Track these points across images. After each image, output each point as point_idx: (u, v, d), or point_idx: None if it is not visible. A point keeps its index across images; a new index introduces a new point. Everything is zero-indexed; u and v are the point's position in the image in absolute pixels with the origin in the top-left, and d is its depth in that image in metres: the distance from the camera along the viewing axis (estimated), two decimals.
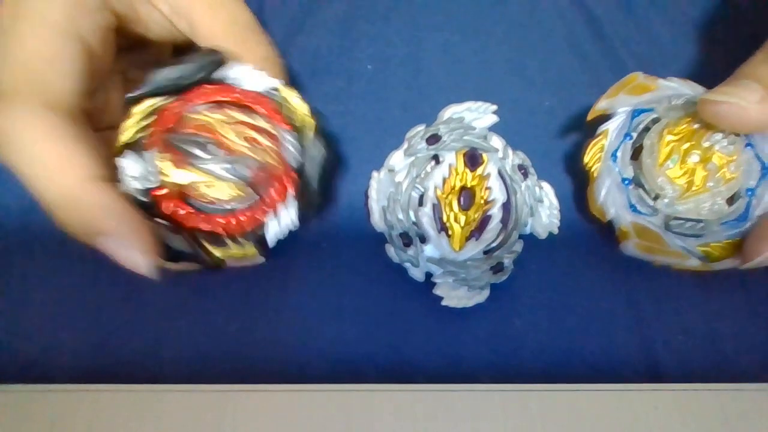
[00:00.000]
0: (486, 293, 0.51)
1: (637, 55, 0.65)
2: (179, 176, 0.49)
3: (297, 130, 0.52)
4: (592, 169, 0.54)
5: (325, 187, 0.53)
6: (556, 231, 0.52)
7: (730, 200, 0.51)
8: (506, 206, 0.50)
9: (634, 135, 0.53)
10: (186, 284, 0.54)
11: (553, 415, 0.46)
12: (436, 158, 0.51)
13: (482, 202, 0.50)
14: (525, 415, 0.46)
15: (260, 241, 0.51)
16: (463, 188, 0.50)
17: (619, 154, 0.53)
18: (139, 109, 0.49)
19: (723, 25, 0.67)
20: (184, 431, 0.45)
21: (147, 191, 0.48)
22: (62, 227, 0.46)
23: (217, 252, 0.49)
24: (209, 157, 0.49)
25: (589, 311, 0.54)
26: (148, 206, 0.48)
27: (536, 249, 0.53)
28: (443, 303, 0.51)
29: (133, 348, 0.52)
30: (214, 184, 0.49)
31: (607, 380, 0.49)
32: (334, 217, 0.58)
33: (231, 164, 0.49)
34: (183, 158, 0.49)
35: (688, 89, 0.54)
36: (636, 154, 0.53)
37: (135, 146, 0.49)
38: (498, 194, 0.50)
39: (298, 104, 0.52)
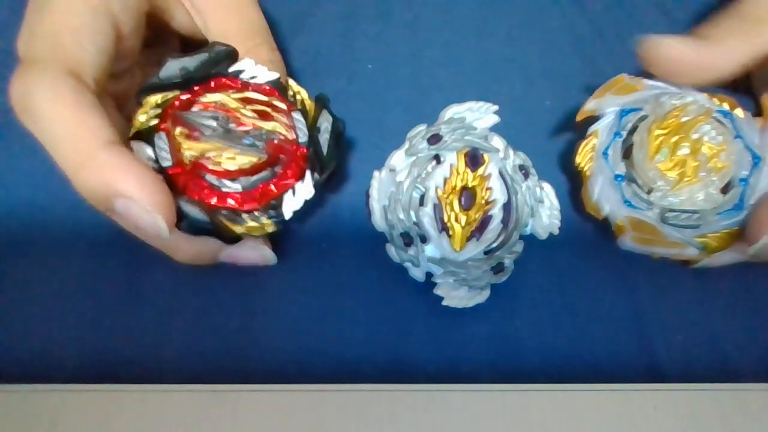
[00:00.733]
0: (486, 293, 0.52)
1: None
2: (193, 148, 0.49)
3: (303, 112, 0.53)
4: (585, 169, 0.54)
5: (337, 156, 0.53)
6: (556, 232, 0.52)
7: (725, 190, 0.52)
8: (507, 207, 0.50)
9: (624, 134, 0.54)
10: (186, 284, 0.54)
11: (553, 415, 0.46)
12: (437, 158, 0.51)
13: (483, 202, 0.50)
14: (525, 415, 0.46)
15: (277, 216, 0.50)
16: (464, 188, 0.50)
17: (610, 152, 0.53)
18: (152, 100, 0.50)
19: None
20: (184, 431, 0.45)
21: (162, 170, 0.48)
22: (81, 192, 0.46)
23: (235, 228, 0.49)
24: (222, 128, 0.49)
25: (589, 312, 0.54)
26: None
27: (537, 249, 0.53)
28: (444, 303, 0.51)
29: (133, 348, 0.52)
30: (230, 155, 0.49)
31: (607, 380, 0.49)
32: (334, 217, 0.58)
33: (244, 136, 0.49)
34: (196, 131, 0.49)
35: (674, 87, 0.54)
36: (627, 152, 0.53)
37: (147, 134, 0.49)
38: (499, 194, 0.50)
39: (299, 89, 0.54)
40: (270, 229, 0.50)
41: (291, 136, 0.52)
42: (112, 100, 0.51)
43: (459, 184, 0.50)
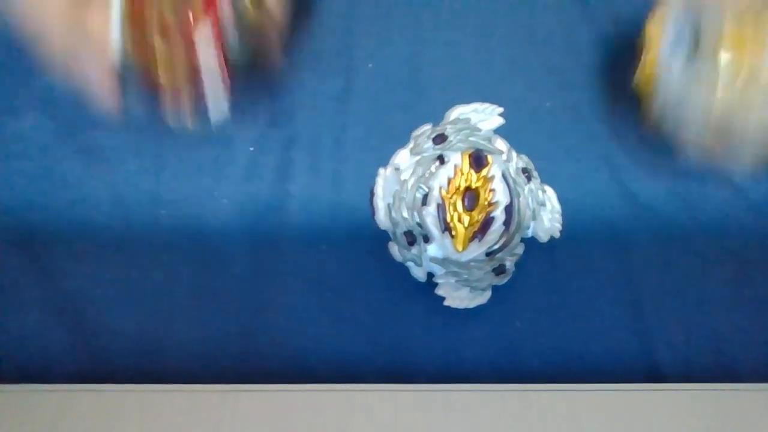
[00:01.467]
0: (488, 295, 0.52)
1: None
2: None
3: None
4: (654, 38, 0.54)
5: None
6: (557, 235, 0.53)
7: None
8: (509, 209, 0.50)
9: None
10: (186, 284, 0.54)
11: (553, 415, 0.46)
12: (440, 158, 0.51)
13: (486, 203, 0.50)
14: (525, 415, 0.46)
15: None
16: (467, 189, 0.50)
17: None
18: None
19: None
20: (184, 431, 0.45)
21: None
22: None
23: None
24: None
25: (589, 313, 0.54)
26: None
27: (538, 252, 0.53)
28: (445, 303, 0.51)
29: (133, 348, 0.52)
30: None
31: (607, 380, 0.49)
32: (334, 217, 0.58)
33: None
34: None
35: None
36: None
37: None
38: (502, 196, 0.50)
39: None
40: None
41: None
42: None
43: (463, 185, 0.50)
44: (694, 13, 0.52)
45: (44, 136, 0.60)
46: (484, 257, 0.51)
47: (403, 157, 0.52)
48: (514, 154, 0.52)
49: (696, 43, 0.52)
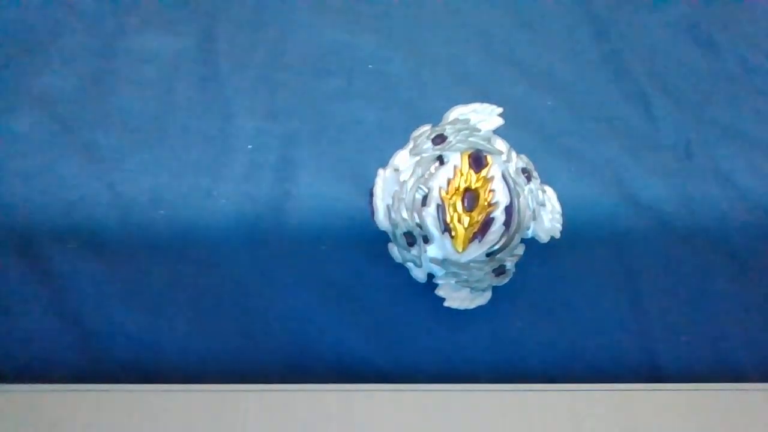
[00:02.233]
0: (488, 295, 0.52)
1: (640, 56, 0.66)
2: None
3: None
4: None
5: None
6: (558, 235, 0.53)
7: None
8: (509, 209, 0.50)
9: None
10: (186, 284, 0.54)
11: (553, 415, 0.46)
12: (440, 159, 0.51)
13: (486, 204, 0.50)
14: (525, 415, 0.46)
15: None
16: (467, 190, 0.50)
17: None
18: None
19: (725, 22, 0.68)
20: (185, 431, 0.45)
21: None
22: None
23: None
24: None
25: (590, 313, 0.54)
26: None
27: (538, 252, 0.53)
28: (445, 304, 0.51)
29: (133, 348, 0.52)
30: None
31: (607, 380, 0.49)
32: (334, 217, 0.58)
33: None
34: None
35: None
36: None
37: None
38: (502, 197, 0.50)
39: None
40: None
41: None
42: None
43: (462, 186, 0.50)
44: None
45: (43, 135, 0.60)
46: (484, 258, 0.51)
47: (402, 158, 0.51)
48: (513, 154, 0.52)
49: None
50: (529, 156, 0.54)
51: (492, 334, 0.53)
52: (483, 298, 0.51)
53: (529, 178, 0.52)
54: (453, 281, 0.51)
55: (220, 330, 0.53)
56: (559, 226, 0.53)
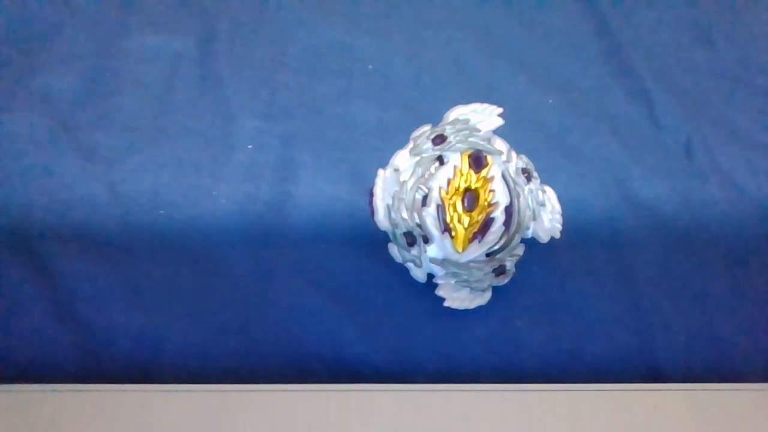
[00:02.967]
0: (488, 295, 0.52)
1: (641, 52, 0.65)
2: None
3: None
4: None
5: None
6: (558, 235, 0.53)
7: None
8: (509, 209, 0.50)
9: None
10: (186, 284, 0.54)
11: (553, 415, 0.46)
12: (440, 159, 0.51)
13: (486, 204, 0.50)
14: (525, 415, 0.46)
15: None
16: (467, 190, 0.50)
17: None
18: None
19: (727, 21, 0.68)
20: (184, 431, 0.45)
21: None
22: None
23: None
24: None
25: (590, 313, 0.54)
26: None
27: (538, 252, 0.53)
28: (445, 304, 0.51)
29: (133, 348, 0.52)
30: None
31: (607, 380, 0.49)
32: (334, 217, 0.58)
33: None
34: None
35: None
36: None
37: None
38: (501, 197, 0.50)
39: None
40: None
41: None
42: None
43: (462, 186, 0.50)
44: None
45: (42, 135, 0.60)
46: (484, 258, 0.51)
47: (402, 158, 0.51)
48: (513, 154, 0.52)
49: None
50: (529, 156, 0.54)
51: (492, 334, 0.53)
52: (483, 298, 0.51)
53: (529, 178, 0.52)
54: (453, 281, 0.51)
55: (220, 330, 0.53)
56: (559, 226, 0.53)
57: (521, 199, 0.51)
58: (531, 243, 0.52)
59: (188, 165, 0.60)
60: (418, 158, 0.51)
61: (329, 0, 0.67)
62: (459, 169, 0.50)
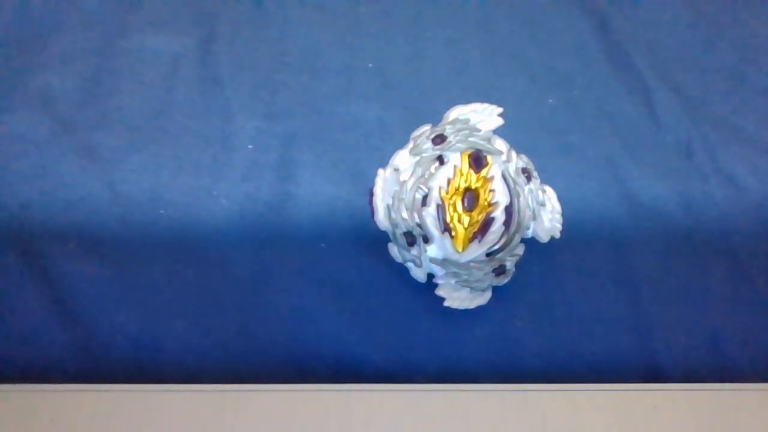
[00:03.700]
0: (488, 295, 0.52)
1: (642, 52, 0.65)
2: None
3: None
4: None
5: None
6: (558, 235, 0.53)
7: None
8: (509, 209, 0.50)
9: None
10: (186, 284, 0.54)
11: (553, 415, 0.46)
12: (440, 159, 0.51)
13: (486, 204, 0.50)
14: (525, 415, 0.46)
15: None
16: (467, 189, 0.50)
17: None
18: None
19: (728, 21, 0.68)
20: (184, 431, 0.45)
21: None
22: None
23: None
24: None
25: (590, 313, 0.54)
26: None
27: (538, 252, 0.53)
28: (445, 304, 0.51)
29: (133, 348, 0.52)
30: None
31: (607, 380, 0.49)
32: (334, 217, 0.58)
33: None
34: None
35: None
36: None
37: None
38: (501, 197, 0.50)
39: None
40: None
41: None
42: None
43: (462, 186, 0.50)
44: None
45: (42, 135, 0.60)
46: (484, 258, 0.51)
47: (402, 158, 0.51)
48: (513, 154, 0.52)
49: None
50: (529, 155, 0.53)
51: (492, 334, 0.53)
52: (483, 298, 0.51)
53: (529, 178, 0.52)
54: (453, 281, 0.51)
55: (220, 330, 0.53)
56: (559, 226, 0.53)
57: (521, 198, 0.51)
58: (531, 243, 0.52)
59: (188, 165, 0.60)
60: (418, 158, 0.51)
61: (329, 0, 0.67)
62: (459, 168, 0.50)
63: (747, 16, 0.69)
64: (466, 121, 0.51)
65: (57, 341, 0.51)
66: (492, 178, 0.50)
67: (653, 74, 0.67)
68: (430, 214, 0.50)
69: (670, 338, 0.53)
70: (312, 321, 0.53)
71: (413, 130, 0.53)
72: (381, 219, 0.51)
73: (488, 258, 0.51)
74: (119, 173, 0.59)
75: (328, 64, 0.64)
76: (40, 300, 0.52)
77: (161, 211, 0.57)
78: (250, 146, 0.61)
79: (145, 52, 0.66)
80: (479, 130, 0.51)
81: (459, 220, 0.49)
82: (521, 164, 0.52)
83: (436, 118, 0.53)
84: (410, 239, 0.50)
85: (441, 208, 0.50)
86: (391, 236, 0.51)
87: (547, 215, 0.53)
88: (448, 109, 0.53)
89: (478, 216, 0.50)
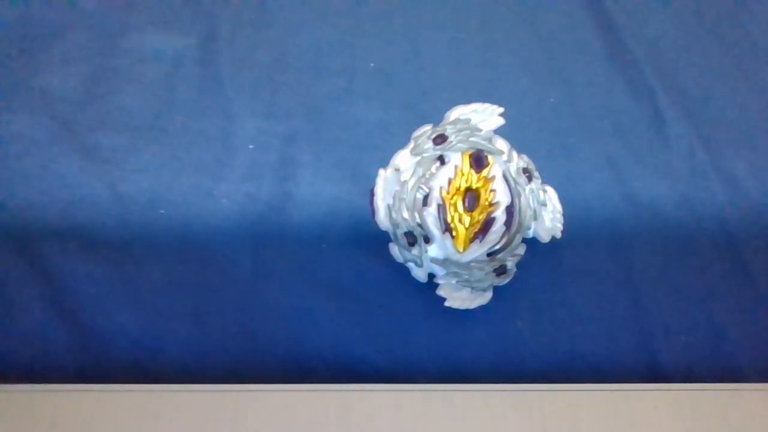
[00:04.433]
0: (489, 295, 0.52)
1: (645, 51, 0.65)
2: None
3: None
4: None
5: None
6: (559, 235, 0.53)
7: None
8: (510, 209, 0.50)
9: None
10: (186, 284, 0.54)
11: (553, 415, 0.46)
12: (441, 159, 0.51)
13: (487, 204, 0.50)
14: (525, 415, 0.46)
15: None
16: (468, 189, 0.50)
17: None
18: None
19: (730, 21, 0.68)
20: (184, 431, 0.45)
21: None
22: None
23: None
24: None
25: (590, 313, 0.54)
26: None
27: (539, 252, 0.53)
28: (446, 304, 0.51)
29: (133, 348, 0.52)
30: None
31: (607, 380, 0.49)
32: (334, 217, 0.58)
33: None
34: None
35: None
36: None
37: None
38: (502, 197, 0.50)
39: None
40: None
41: None
42: None
43: (463, 186, 0.50)
44: None
45: (43, 135, 0.60)
46: (485, 258, 0.51)
47: (403, 158, 0.52)
48: (514, 154, 0.52)
49: None
50: (530, 155, 0.54)
51: (492, 334, 0.53)
52: (484, 298, 0.51)
53: (530, 178, 0.52)
54: (454, 281, 0.51)
55: (220, 330, 0.53)
56: (560, 226, 0.53)
57: (522, 198, 0.51)
58: (532, 243, 0.52)
59: (189, 165, 0.60)
60: (419, 158, 0.51)
61: (330, 0, 0.67)
62: (460, 168, 0.50)
63: (749, 16, 0.69)
64: (467, 121, 0.52)
65: (57, 341, 0.51)
66: (493, 178, 0.50)
67: (655, 74, 0.67)
68: (431, 214, 0.50)
69: (670, 338, 0.53)
70: (312, 321, 0.53)
71: (414, 130, 0.53)
72: (382, 219, 0.51)
73: (489, 258, 0.51)
74: (120, 173, 0.59)
75: (329, 64, 0.64)
76: (40, 300, 0.52)
77: (161, 211, 0.57)
78: (250, 146, 0.61)
79: (146, 52, 0.66)
80: (480, 130, 0.51)
81: (460, 220, 0.49)
82: (522, 164, 0.52)
83: (437, 118, 0.53)
84: (411, 239, 0.50)
85: (442, 208, 0.50)
86: (391, 236, 0.51)
87: (548, 215, 0.53)
88: (449, 109, 0.53)
89: (479, 216, 0.50)
